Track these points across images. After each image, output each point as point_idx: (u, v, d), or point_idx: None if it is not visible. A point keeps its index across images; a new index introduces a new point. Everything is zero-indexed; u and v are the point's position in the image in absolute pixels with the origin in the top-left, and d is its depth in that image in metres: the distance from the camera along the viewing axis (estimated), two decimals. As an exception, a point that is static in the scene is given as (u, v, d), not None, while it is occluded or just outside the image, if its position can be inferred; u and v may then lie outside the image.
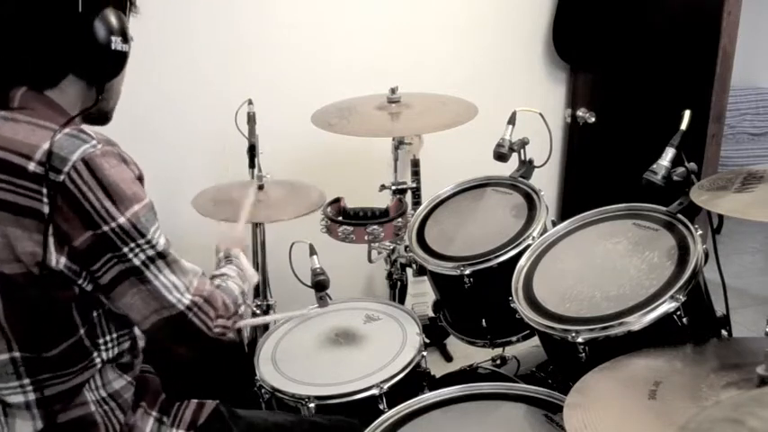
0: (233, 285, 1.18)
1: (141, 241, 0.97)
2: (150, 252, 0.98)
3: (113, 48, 0.99)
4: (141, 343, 1.14)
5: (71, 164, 0.91)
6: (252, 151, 1.97)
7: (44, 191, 0.91)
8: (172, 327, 1.02)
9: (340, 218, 1.93)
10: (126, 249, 0.96)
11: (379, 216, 1.94)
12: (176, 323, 1.02)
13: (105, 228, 0.93)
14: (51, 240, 0.92)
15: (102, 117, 1.11)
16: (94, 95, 1.04)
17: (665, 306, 1.20)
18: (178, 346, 1.07)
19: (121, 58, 1.03)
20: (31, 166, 0.92)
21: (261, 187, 1.92)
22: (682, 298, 1.20)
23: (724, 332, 1.37)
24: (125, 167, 0.97)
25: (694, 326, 1.23)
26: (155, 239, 0.99)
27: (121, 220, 0.94)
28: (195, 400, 1.18)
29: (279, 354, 1.60)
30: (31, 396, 0.99)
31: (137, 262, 0.97)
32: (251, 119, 2.00)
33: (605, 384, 1.12)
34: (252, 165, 1.97)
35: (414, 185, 2.31)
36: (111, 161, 0.95)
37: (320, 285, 1.60)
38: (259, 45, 2.40)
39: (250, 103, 2.02)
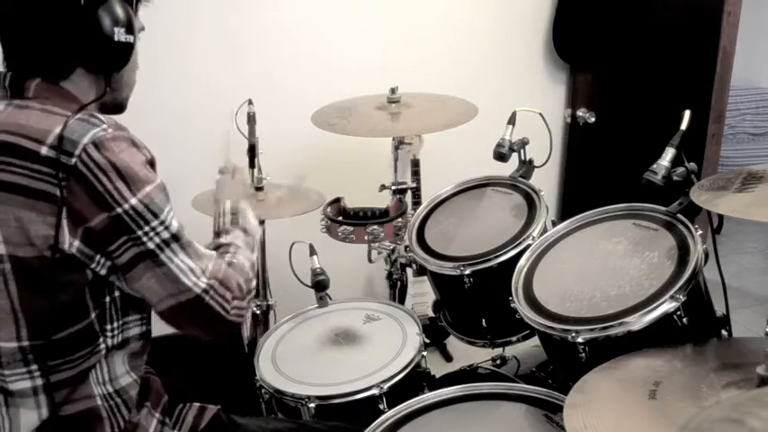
0: (243, 260, 1.17)
1: (155, 223, 0.97)
2: (165, 235, 0.99)
3: (116, 39, 1.00)
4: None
5: (81, 147, 0.93)
6: (252, 151, 1.97)
7: (56, 174, 0.92)
8: (189, 311, 1.03)
9: (340, 218, 1.93)
10: (140, 233, 0.96)
11: (379, 216, 1.94)
12: (194, 307, 1.02)
13: (119, 210, 0.94)
14: (65, 223, 0.93)
15: (116, 107, 1.12)
16: (104, 86, 1.05)
17: (665, 306, 1.20)
18: (196, 331, 1.07)
19: (126, 49, 1.04)
20: (44, 150, 0.93)
21: (260, 188, 1.92)
22: (682, 298, 1.20)
23: (724, 332, 1.36)
24: (136, 151, 0.99)
25: (694, 326, 1.23)
26: (168, 221, 0.99)
27: (134, 201, 0.95)
28: (197, 404, 1.18)
29: (279, 354, 1.60)
30: (39, 381, 1.00)
31: (151, 245, 0.98)
32: (251, 119, 2.00)
33: (605, 384, 1.12)
34: (252, 165, 1.97)
35: (414, 185, 2.31)
36: (122, 144, 0.96)
37: (320, 285, 1.60)
38: (259, 45, 2.40)
39: (250, 103, 2.02)
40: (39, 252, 0.94)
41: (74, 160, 0.92)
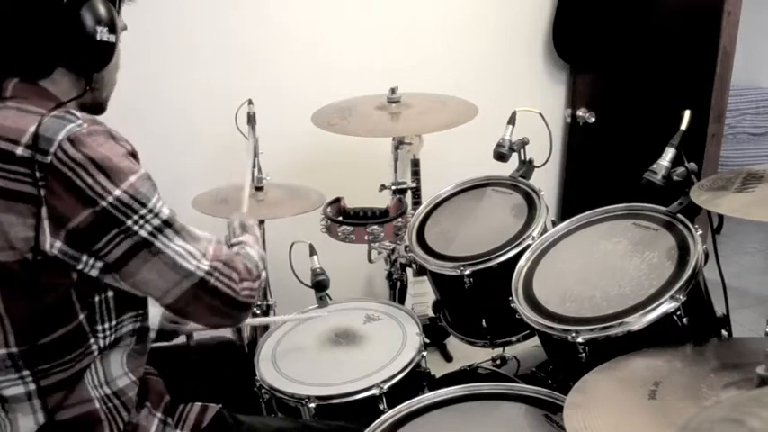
0: (251, 251, 1.17)
1: (144, 211, 0.95)
2: (155, 222, 0.96)
3: (99, 38, 0.99)
4: (152, 334, 1.13)
5: (57, 144, 0.91)
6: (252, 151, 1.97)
7: (34, 174, 0.90)
8: (196, 297, 1.00)
9: (340, 218, 1.93)
10: (130, 222, 0.94)
11: (379, 216, 1.94)
12: (200, 291, 1.00)
13: (103, 203, 0.92)
14: (46, 224, 0.91)
15: (96, 107, 1.09)
16: (84, 86, 1.03)
17: (665, 306, 1.20)
18: (209, 318, 1.04)
19: (108, 48, 1.02)
20: (19, 150, 0.91)
21: (260, 188, 1.93)
22: (682, 298, 1.19)
23: (724, 332, 1.36)
24: (114, 143, 0.96)
25: (694, 326, 1.23)
26: (157, 208, 0.97)
27: (117, 192, 0.93)
28: (199, 403, 1.18)
29: (279, 354, 1.60)
30: (32, 386, 0.99)
31: (144, 233, 0.95)
32: (251, 119, 2.00)
33: (605, 384, 1.12)
34: (252, 165, 1.97)
35: (414, 185, 2.31)
36: (99, 138, 0.94)
37: (320, 285, 1.60)
38: (259, 45, 2.41)
39: (250, 103, 2.02)
40: (20, 255, 0.92)
41: (50, 158, 0.90)
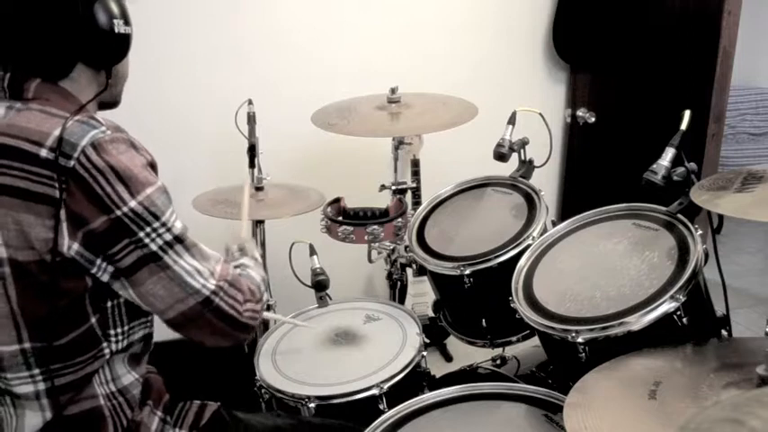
0: (253, 273, 1.18)
1: (156, 224, 0.96)
2: (167, 236, 0.98)
3: (117, 31, 1.01)
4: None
5: (80, 149, 0.92)
6: (252, 151, 1.97)
7: (55, 176, 0.92)
8: (199, 315, 1.01)
9: (340, 218, 1.93)
10: (142, 234, 0.95)
11: (379, 216, 1.94)
12: (204, 310, 1.01)
13: (118, 212, 0.94)
14: (65, 225, 0.93)
15: (111, 101, 1.12)
16: (104, 80, 1.05)
17: (665, 306, 1.20)
18: (209, 337, 1.05)
19: (125, 40, 1.04)
20: (43, 153, 0.93)
21: (260, 188, 1.92)
22: (682, 298, 1.20)
23: (724, 332, 1.36)
24: (135, 153, 0.98)
25: (694, 326, 1.23)
26: (170, 222, 0.98)
27: (133, 203, 0.94)
28: (198, 401, 1.19)
29: (279, 354, 1.60)
30: (41, 386, 1.00)
31: (154, 247, 0.96)
32: (251, 119, 2.00)
33: (605, 384, 1.12)
34: (252, 165, 1.97)
35: (414, 185, 2.31)
36: (120, 147, 0.96)
37: (320, 285, 1.60)
38: (259, 45, 2.41)
39: (250, 103, 2.02)
40: (38, 256, 0.94)
41: (72, 162, 0.92)
